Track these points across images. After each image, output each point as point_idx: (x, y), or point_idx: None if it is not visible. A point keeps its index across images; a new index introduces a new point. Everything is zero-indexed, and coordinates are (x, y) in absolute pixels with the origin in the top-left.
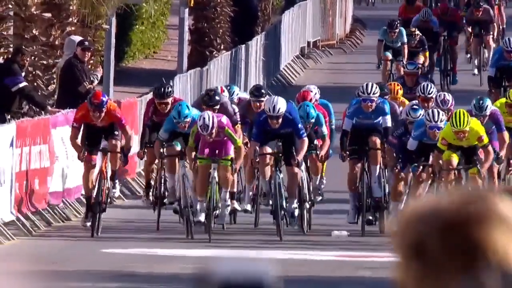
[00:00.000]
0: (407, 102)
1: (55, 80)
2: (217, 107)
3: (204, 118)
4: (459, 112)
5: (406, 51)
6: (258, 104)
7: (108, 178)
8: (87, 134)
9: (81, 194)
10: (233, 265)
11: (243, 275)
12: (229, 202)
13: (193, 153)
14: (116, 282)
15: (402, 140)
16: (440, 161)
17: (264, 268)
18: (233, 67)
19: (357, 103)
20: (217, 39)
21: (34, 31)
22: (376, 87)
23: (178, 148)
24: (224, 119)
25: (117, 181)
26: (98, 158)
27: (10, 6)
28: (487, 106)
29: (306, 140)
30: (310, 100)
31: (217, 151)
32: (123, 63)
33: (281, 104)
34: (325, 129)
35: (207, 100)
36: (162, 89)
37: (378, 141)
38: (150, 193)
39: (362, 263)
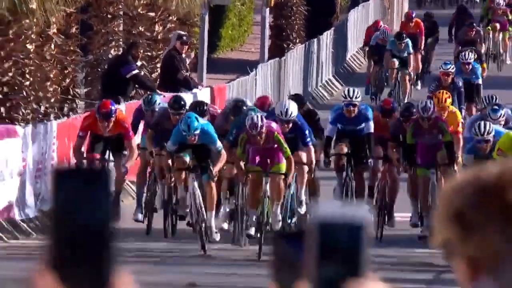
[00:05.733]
0: (457, 111)
1: (158, 69)
2: None
3: (252, 118)
4: None
5: (411, 61)
6: (177, 117)
7: None
8: (92, 144)
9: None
10: (333, 208)
11: (342, 216)
12: (280, 217)
13: (242, 163)
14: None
15: None
16: None
17: (362, 212)
18: (307, 57)
19: (339, 109)
20: (293, 34)
21: (140, 28)
22: (358, 92)
23: (187, 159)
24: (274, 125)
25: None
26: None
27: (120, 7)
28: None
29: (312, 148)
30: (269, 105)
31: (268, 160)
32: (215, 54)
33: (293, 109)
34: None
35: (236, 111)
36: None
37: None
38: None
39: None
